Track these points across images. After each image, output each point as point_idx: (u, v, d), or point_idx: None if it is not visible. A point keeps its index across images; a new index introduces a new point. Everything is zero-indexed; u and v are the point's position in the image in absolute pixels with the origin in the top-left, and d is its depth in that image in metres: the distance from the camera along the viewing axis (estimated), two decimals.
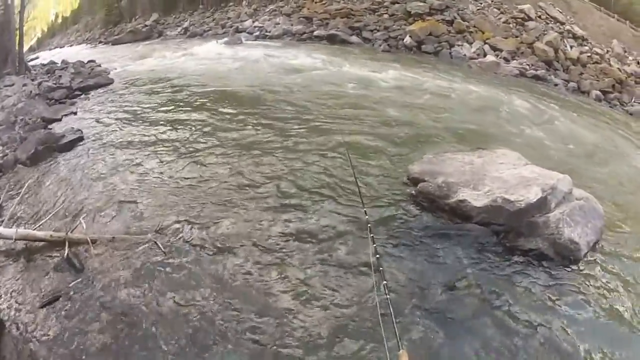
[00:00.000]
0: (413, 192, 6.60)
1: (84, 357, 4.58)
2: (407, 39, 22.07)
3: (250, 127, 9.96)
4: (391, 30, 23.45)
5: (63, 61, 21.29)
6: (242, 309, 4.83)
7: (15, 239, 6.29)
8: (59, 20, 77.30)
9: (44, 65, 21.79)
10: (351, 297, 4.85)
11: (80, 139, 10.13)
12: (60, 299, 5.35)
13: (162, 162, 8.40)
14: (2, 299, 5.56)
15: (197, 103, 12.37)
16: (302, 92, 12.99)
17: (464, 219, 5.88)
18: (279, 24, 27.41)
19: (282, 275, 5.22)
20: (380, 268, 3.74)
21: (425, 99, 13.10)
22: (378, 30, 23.75)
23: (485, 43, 21.54)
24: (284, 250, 5.64)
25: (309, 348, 4.29)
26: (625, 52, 26.03)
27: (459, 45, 21.42)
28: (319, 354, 4.24)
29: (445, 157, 7.10)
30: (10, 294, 5.64)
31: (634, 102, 21.72)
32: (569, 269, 5.41)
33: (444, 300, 4.86)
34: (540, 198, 5.66)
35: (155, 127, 10.44)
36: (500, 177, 6.22)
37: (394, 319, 1.62)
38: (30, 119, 12.08)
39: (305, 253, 5.57)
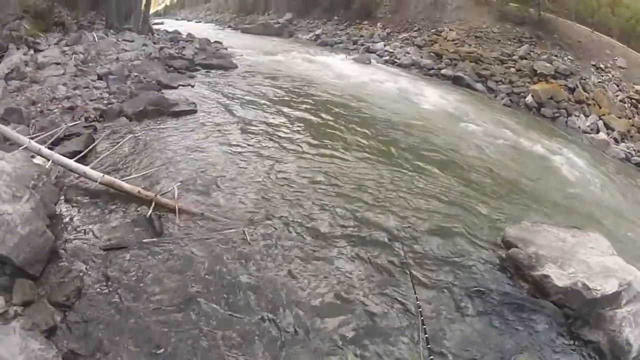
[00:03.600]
0: (503, 255, 6.44)
1: (129, 310, 4.79)
2: (529, 98, 21.33)
3: (363, 145, 10.04)
4: (515, 85, 22.70)
5: (189, 34, 21.98)
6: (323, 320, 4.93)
7: (100, 183, 6.52)
8: None
9: (168, 32, 22.49)
10: None
11: (193, 112, 10.48)
12: (127, 249, 5.57)
13: (268, 154, 8.56)
14: (70, 231, 5.82)
15: (316, 108, 12.43)
16: (426, 135, 12.37)
17: (542, 294, 5.75)
18: (409, 53, 27.13)
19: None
20: None
21: (535, 166, 12.62)
22: (503, 83, 23.10)
23: (600, 119, 20.51)
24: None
25: None
26: None
27: (576, 116, 20.49)
28: None
29: (542, 228, 6.89)
30: (78, 228, 5.90)
31: None
32: None
33: None
34: (615, 292, 5.48)
35: (269, 121, 10.62)
36: (586, 261, 6.02)
37: None
38: (144, 78, 12.72)
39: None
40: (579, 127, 19.66)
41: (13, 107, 8.87)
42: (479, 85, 22.87)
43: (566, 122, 20.04)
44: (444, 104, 17.34)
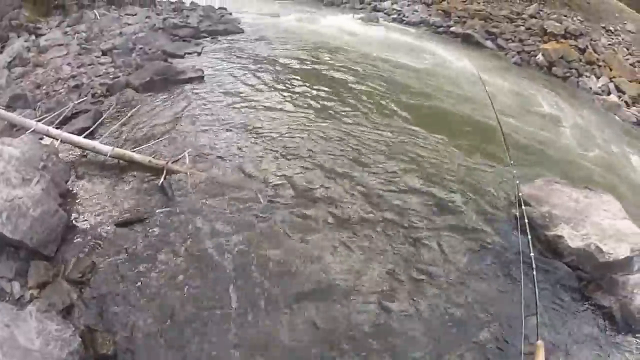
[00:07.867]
0: (517, 213, 6.26)
1: (144, 282, 4.86)
2: (540, 57, 20.94)
3: (369, 102, 10.02)
4: (525, 44, 22.21)
5: (192, 2, 21.49)
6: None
7: (110, 156, 6.59)
8: None
9: (171, 2, 21.99)
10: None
11: (201, 78, 10.26)
12: (141, 222, 5.61)
13: (278, 120, 8.46)
14: (83, 208, 5.85)
15: (325, 71, 12.18)
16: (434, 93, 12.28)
17: (555, 255, 5.77)
18: (417, 11, 26.47)
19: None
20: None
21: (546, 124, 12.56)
22: (513, 41, 22.59)
23: (611, 81, 20.19)
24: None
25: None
26: None
27: (587, 77, 20.21)
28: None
29: (555, 188, 6.84)
30: (91, 203, 5.93)
31: None
32: (628, 339, 5.10)
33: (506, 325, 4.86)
34: (627, 257, 5.48)
35: (279, 85, 10.42)
36: (599, 223, 6.01)
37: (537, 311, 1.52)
38: (149, 49, 12.50)
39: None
40: (590, 88, 19.35)
41: (18, 93, 9.04)
42: (488, 43, 22.35)
43: (577, 82, 19.71)
44: (452, 60, 17.55)
